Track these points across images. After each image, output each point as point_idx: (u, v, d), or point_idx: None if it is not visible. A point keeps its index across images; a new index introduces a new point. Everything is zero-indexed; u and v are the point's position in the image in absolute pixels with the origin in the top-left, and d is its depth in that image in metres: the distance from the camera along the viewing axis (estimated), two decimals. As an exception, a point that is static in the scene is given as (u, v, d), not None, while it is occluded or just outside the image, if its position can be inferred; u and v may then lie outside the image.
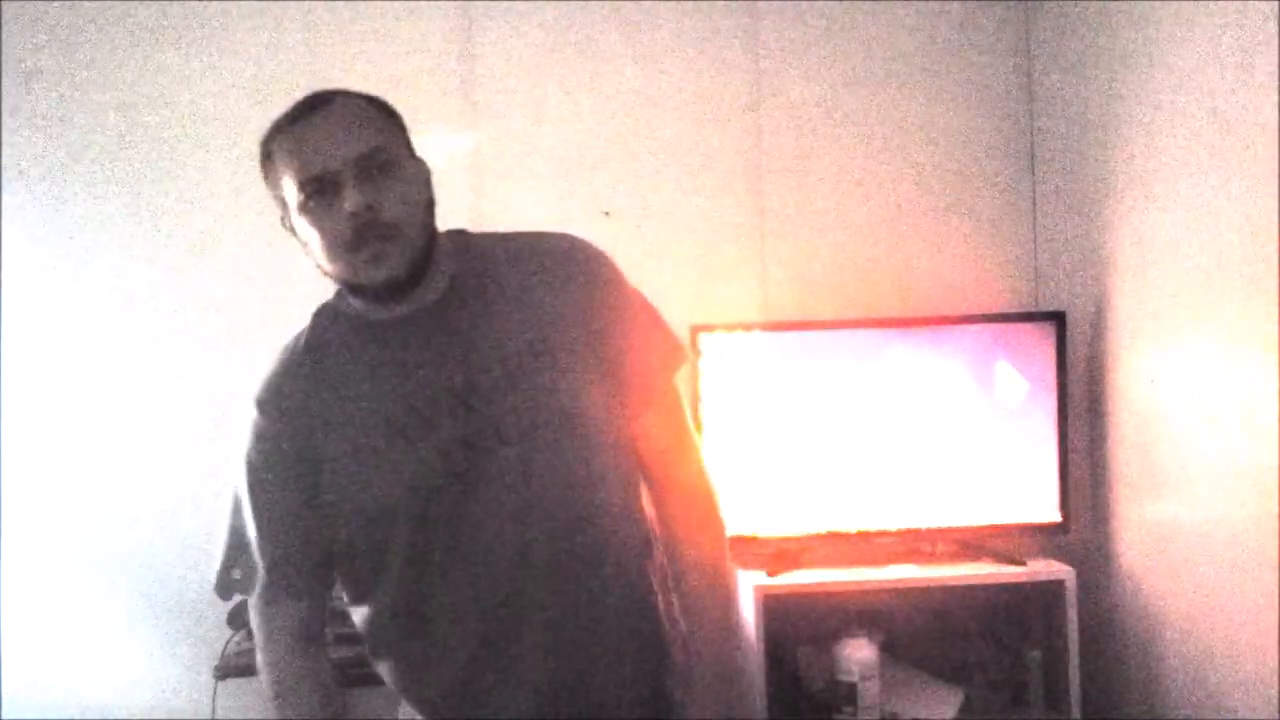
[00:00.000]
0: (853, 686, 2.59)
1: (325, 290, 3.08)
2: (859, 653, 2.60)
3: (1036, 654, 2.70)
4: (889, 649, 2.72)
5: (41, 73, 2.93)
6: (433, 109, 2.98)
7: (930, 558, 2.75)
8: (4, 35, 2.90)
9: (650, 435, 1.58)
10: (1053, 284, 2.96)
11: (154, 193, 2.95)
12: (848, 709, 2.60)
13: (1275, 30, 1.95)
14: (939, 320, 2.80)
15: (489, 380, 1.47)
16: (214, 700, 2.64)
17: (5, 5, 2.90)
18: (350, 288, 1.50)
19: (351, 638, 2.59)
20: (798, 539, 2.72)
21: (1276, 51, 1.95)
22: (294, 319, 3.06)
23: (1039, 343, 2.73)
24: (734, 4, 2.99)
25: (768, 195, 3.00)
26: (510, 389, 1.47)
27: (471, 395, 1.47)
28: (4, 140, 2.91)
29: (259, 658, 1.59)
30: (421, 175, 1.51)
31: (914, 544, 2.76)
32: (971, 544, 2.75)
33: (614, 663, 1.53)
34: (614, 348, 1.53)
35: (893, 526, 2.74)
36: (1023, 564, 2.67)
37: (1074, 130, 2.80)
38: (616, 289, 1.57)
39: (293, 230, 1.49)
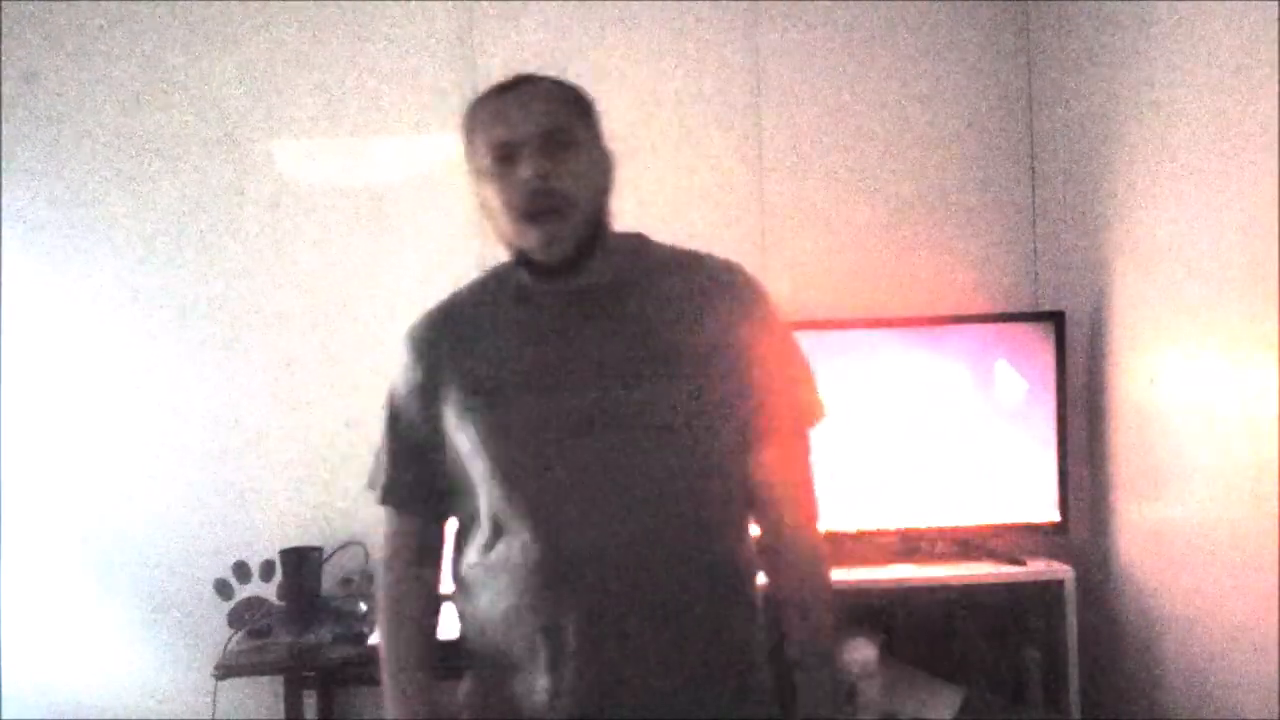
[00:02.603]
0: (853, 686, 2.59)
1: (325, 289, 3.07)
2: (859, 653, 2.60)
3: (1036, 654, 2.70)
4: (889, 649, 2.72)
5: (41, 73, 2.93)
6: (434, 109, 2.98)
7: (930, 558, 2.75)
8: (4, 35, 2.90)
9: (767, 473, 1.61)
10: (1053, 284, 2.96)
11: (154, 192, 2.95)
12: (848, 709, 2.60)
13: (1275, 30, 1.95)
14: (939, 320, 2.80)
15: (622, 369, 1.53)
16: (214, 700, 2.64)
17: (5, 5, 2.90)
18: (520, 257, 1.57)
19: (352, 637, 2.61)
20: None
21: (1276, 51, 1.95)
22: (294, 319, 3.08)
23: (1039, 343, 2.73)
24: (734, 4, 3.00)
25: (768, 195, 3.01)
26: (640, 383, 1.52)
27: (601, 378, 1.53)
28: (4, 140, 2.91)
29: (379, 565, 1.69)
30: (602, 163, 1.59)
31: (914, 544, 2.76)
32: (971, 544, 2.76)
33: (678, 664, 1.53)
34: (757, 382, 1.58)
35: (893, 526, 2.74)
36: (1022, 564, 2.67)
37: (1074, 130, 2.80)
38: (776, 330, 1.63)
39: (477, 196, 1.57)
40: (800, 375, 1.64)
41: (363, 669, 2.55)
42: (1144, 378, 2.51)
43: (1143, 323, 2.51)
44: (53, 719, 2.87)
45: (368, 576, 2.87)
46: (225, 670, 2.55)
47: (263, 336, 2.96)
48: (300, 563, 2.78)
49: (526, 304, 1.58)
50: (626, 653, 1.50)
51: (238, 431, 2.95)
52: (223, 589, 2.76)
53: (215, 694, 2.63)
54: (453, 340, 1.60)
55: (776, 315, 1.63)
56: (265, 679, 2.73)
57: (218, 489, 2.94)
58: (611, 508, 1.50)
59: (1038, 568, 2.66)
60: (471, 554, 1.59)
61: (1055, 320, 2.74)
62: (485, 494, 1.54)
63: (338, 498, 2.93)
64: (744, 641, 1.58)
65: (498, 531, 1.54)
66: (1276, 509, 2.00)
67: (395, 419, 1.64)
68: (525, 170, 1.49)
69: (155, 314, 2.95)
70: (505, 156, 1.51)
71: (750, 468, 1.60)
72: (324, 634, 2.63)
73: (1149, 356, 2.49)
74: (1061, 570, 2.63)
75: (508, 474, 1.52)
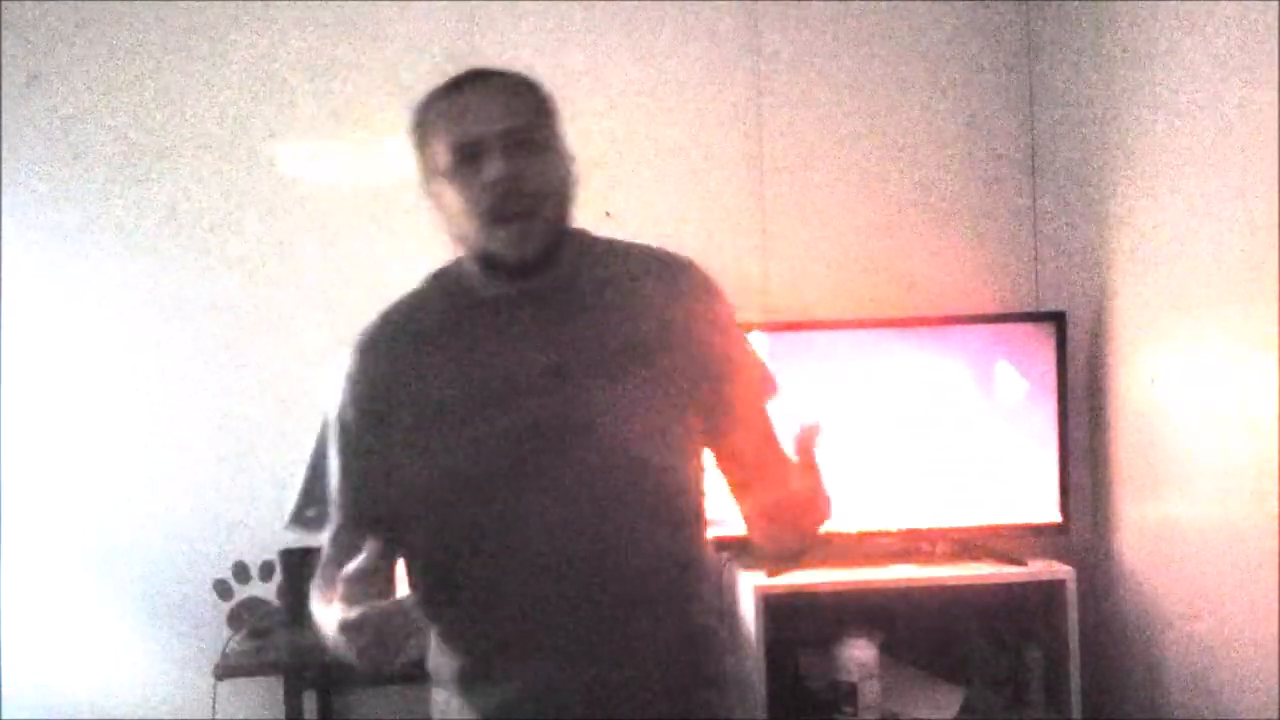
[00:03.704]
0: (853, 687, 2.59)
1: (326, 289, 3.06)
2: (859, 653, 2.60)
3: (1037, 654, 2.69)
4: (889, 649, 2.72)
5: (43, 74, 2.93)
6: (433, 109, 2.98)
7: (930, 558, 2.74)
8: (4, 36, 2.90)
9: (739, 454, 1.61)
10: (1053, 284, 2.96)
11: (155, 193, 2.95)
12: (848, 709, 2.60)
13: (1275, 30, 1.95)
14: (939, 320, 2.80)
15: (578, 367, 1.50)
16: (214, 700, 2.64)
17: (5, 5, 2.90)
18: (481, 258, 1.51)
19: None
20: (798, 539, 2.71)
21: (1276, 51, 1.95)
22: (295, 319, 3.08)
23: (1039, 343, 2.73)
24: (734, 4, 3.00)
25: (768, 195, 3.01)
26: (596, 379, 1.50)
27: (556, 379, 1.49)
28: (4, 140, 2.91)
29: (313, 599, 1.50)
30: (567, 163, 1.53)
31: (914, 544, 2.76)
32: (971, 544, 2.75)
33: (642, 663, 1.52)
34: (709, 369, 1.56)
35: (893, 526, 2.74)
36: (1023, 564, 2.66)
37: (1074, 130, 2.80)
38: (722, 315, 1.62)
39: (433, 197, 1.52)
40: (750, 358, 1.65)
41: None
42: (1145, 378, 2.51)
43: (1143, 322, 2.51)
44: (52, 719, 2.87)
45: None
46: (225, 670, 2.55)
47: (263, 336, 2.95)
48: (300, 563, 2.77)
49: (475, 309, 1.53)
50: (601, 652, 1.49)
51: (238, 432, 2.95)
52: (222, 589, 2.76)
53: (215, 694, 2.63)
54: (403, 351, 1.54)
55: (725, 304, 1.63)
56: (265, 679, 2.73)
57: (218, 489, 2.94)
58: (582, 511, 1.47)
59: (1038, 568, 2.66)
60: (427, 578, 1.54)
61: (1056, 320, 2.73)
62: (447, 514, 1.49)
63: (338, 498, 2.93)
64: (703, 629, 1.56)
65: (454, 549, 1.50)
66: (1276, 509, 2.00)
67: (340, 438, 1.55)
68: (491, 171, 1.43)
69: (155, 314, 2.94)
70: (467, 157, 1.44)
71: (722, 452, 1.61)
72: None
73: (1150, 356, 2.49)
74: (1062, 570, 2.62)
75: (466, 494, 1.47)
